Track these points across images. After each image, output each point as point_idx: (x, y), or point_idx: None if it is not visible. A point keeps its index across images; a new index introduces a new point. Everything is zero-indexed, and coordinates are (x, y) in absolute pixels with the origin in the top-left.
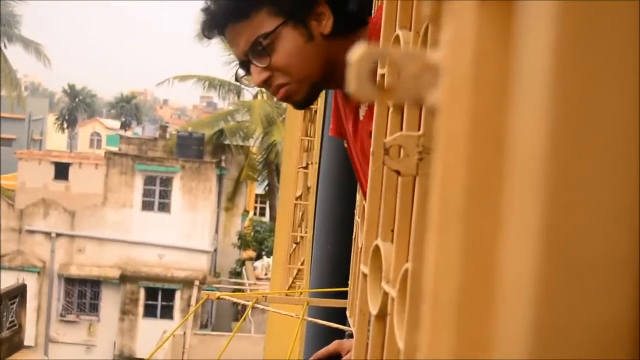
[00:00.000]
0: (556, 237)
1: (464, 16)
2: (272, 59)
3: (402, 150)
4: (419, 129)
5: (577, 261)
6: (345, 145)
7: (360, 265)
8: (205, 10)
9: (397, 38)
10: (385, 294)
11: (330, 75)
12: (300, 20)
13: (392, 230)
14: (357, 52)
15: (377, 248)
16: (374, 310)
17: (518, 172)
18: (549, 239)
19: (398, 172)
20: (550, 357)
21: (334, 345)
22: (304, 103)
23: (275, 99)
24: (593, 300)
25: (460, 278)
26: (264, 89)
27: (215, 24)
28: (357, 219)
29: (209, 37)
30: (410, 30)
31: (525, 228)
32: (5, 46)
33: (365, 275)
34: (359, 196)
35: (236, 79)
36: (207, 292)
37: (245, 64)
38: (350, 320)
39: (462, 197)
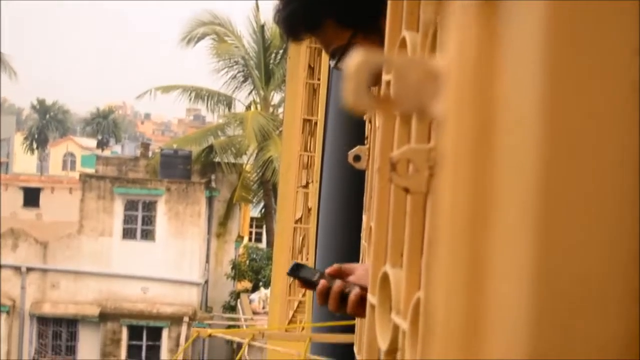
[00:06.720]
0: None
1: (465, 20)
2: None
3: (411, 165)
4: (429, 141)
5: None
6: None
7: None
8: (280, 22)
9: (403, 41)
10: (396, 327)
11: None
12: (369, 29)
13: (402, 255)
14: (354, 61)
15: (385, 275)
16: (383, 345)
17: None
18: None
19: (407, 190)
20: None
21: None
22: None
23: (270, 110)
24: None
25: (471, 308)
26: (257, 100)
27: (293, 35)
28: (363, 242)
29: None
30: (417, 31)
31: (519, 258)
32: None
33: (373, 307)
34: (365, 218)
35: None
36: (197, 328)
37: None
38: (358, 357)
39: (469, 215)
